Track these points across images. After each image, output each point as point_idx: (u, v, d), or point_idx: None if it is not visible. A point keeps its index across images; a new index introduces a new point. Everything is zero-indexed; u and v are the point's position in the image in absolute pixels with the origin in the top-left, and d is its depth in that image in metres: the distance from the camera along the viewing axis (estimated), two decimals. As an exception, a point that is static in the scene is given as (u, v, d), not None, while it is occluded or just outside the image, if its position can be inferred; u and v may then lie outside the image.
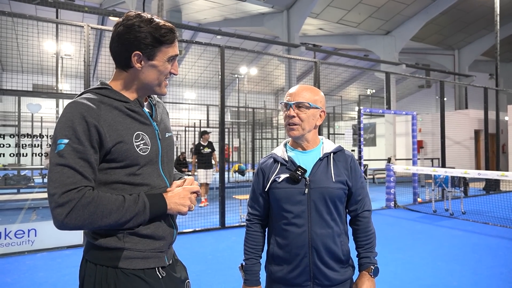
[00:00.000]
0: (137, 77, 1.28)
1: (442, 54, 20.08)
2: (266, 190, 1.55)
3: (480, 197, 9.59)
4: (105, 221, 1.14)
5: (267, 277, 1.60)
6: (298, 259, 1.47)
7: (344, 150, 1.60)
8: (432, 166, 12.92)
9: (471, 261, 4.44)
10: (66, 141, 1.13)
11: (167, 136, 1.39)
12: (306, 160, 1.54)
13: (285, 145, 1.63)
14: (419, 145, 13.85)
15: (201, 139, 8.84)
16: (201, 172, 8.57)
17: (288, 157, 1.55)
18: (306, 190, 1.48)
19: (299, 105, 1.51)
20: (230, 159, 17.60)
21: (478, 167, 15.12)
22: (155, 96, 1.44)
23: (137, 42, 1.22)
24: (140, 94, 1.33)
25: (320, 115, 1.56)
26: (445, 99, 10.02)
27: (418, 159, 9.99)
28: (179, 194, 1.28)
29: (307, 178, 1.49)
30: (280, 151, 1.59)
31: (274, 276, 1.55)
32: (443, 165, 9.84)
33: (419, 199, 8.83)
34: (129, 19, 1.24)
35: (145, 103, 1.36)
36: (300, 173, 1.48)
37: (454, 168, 10.40)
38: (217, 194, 6.66)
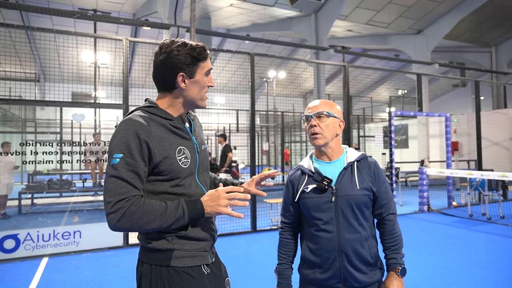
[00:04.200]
0: (182, 95, 1.46)
1: (478, 51, 19.30)
2: (296, 200, 1.67)
3: (521, 201, 9.19)
4: (150, 225, 1.31)
5: (300, 279, 1.72)
6: (329, 262, 1.58)
7: (367, 158, 1.70)
8: (468, 168, 12.48)
9: (509, 267, 4.32)
10: (120, 155, 1.31)
11: (203, 148, 1.56)
12: (332, 170, 1.65)
13: (311, 156, 1.74)
14: (453, 147, 13.40)
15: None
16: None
17: (314, 168, 1.66)
18: (333, 198, 1.58)
19: (319, 115, 1.64)
20: (260, 163, 17.72)
21: (519, 169, 14.41)
22: (191, 111, 1.62)
23: (180, 64, 1.40)
24: (183, 110, 1.50)
25: (339, 124, 1.67)
26: (482, 98, 9.69)
27: (453, 161, 9.71)
28: (211, 196, 1.40)
29: (333, 187, 1.60)
30: (306, 163, 1.71)
31: (306, 278, 1.66)
32: (480, 168, 9.51)
33: (454, 203, 8.58)
34: (167, 47, 1.42)
35: (185, 119, 1.54)
36: (326, 183, 1.59)
37: (492, 170, 10.01)
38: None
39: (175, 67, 1.40)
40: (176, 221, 1.33)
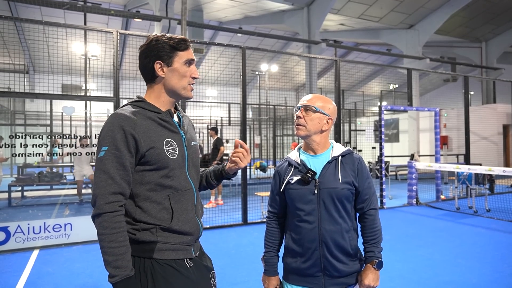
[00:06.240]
0: (163, 84, 1.50)
1: (469, 46, 19.50)
2: (281, 190, 1.72)
3: (507, 195, 9.38)
4: (101, 242, 1.34)
5: (284, 268, 1.77)
6: (310, 252, 1.63)
7: (353, 153, 1.74)
8: (457, 162, 12.68)
9: (493, 259, 4.44)
10: (106, 148, 1.36)
11: (192, 144, 1.59)
12: (317, 163, 1.70)
13: (299, 149, 1.79)
14: (442, 141, 13.60)
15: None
16: None
17: (301, 160, 1.71)
18: (316, 190, 1.63)
19: (306, 108, 1.69)
20: (251, 156, 17.75)
21: (507, 163, 14.70)
22: (182, 110, 1.66)
23: (157, 52, 1.46)
24: (170, 103, 1.53)
25: (327, 121, 1.70)
26: (472, 93, 9.82)
27: (441, 155, 9.85)
28: None
29: (317, 179, 1.65)
30: (294, 155, 1.76)
31: (289, 267, 1.72)
32: (468, 162, 9.67)
33: (442, 196, 8.74)
34: (148, 40, 1.50)
35: (175, 115, 1.57)
36: (310, 175, 1.64)
37: (480, 164, 10.20)
38: (239, 191, 6.85)
39: (153, 56, 1.46)
40: (108, 259, 1.32)
